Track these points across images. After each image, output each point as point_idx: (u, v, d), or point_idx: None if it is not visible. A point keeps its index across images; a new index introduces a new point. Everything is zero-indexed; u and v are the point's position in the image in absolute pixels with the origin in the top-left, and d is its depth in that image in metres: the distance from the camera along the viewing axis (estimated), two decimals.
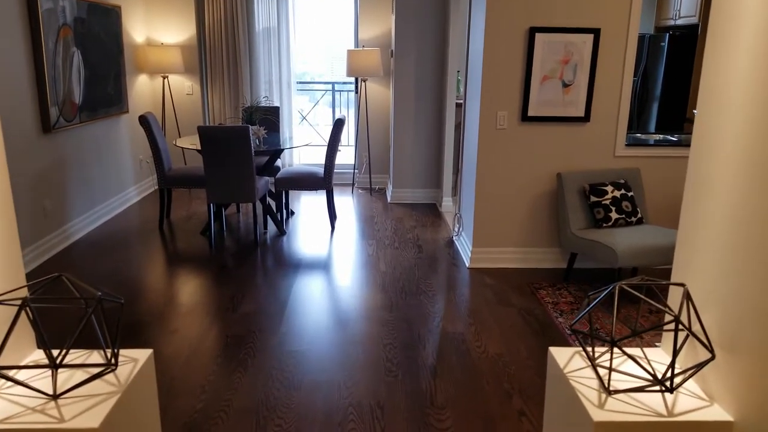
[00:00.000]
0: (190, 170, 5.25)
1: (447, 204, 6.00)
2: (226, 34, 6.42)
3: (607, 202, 3.99)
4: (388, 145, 6.84)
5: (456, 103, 5.92)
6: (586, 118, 4.17)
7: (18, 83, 4.14)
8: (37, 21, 4.22)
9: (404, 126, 6.13)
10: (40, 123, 4.41)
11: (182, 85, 6.64)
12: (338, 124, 5.15)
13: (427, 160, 6.24)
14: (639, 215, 4.05)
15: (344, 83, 9.95)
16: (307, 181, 5.26)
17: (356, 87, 6.97)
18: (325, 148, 5.27)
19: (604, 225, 3.99)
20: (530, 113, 4.15)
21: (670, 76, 6.12)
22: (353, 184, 7.03)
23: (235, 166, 4.65)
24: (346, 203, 6.34)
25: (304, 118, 8.79)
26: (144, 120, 5.03)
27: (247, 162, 4.63)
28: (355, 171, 7.03)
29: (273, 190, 5.56)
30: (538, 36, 4.02)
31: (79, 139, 5.00)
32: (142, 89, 6.38)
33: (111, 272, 4.29)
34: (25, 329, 1.69)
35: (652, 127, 6.35)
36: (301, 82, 8.45)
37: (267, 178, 5.18)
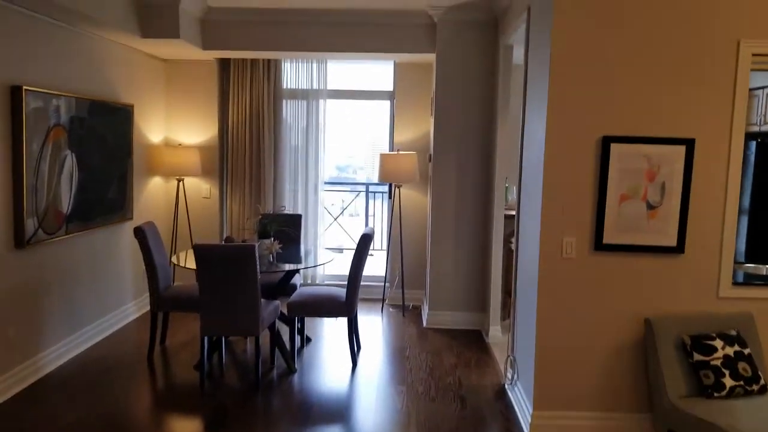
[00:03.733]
0: (191, 290, 4.46)
1: (495, 334, 5.00)
2: (250, 134, 5.86)
3: (718, 362, 2.96)
4: (424, 258, 5.98)
5: (505, 214, 5.07)
6: (679, 248, 3.23)
7: None
8: (19, 122, 3.65)
9: (443, 237, 5.28)
10: (12, 237, 3.74)
11: (199, 188, 6.03)
12: (364, 241, 4.34)
13: (470, 278, 5.32)
14: (761, 381, 2.99)
15: (379, 184, 9.31)
16: (325, 307, 4.39)
17: (390, 192, 6.24)
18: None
19: (716, 395, 2.93)
20: (606, 240, 3.25)
21: (761, 190, 5.16)
22: (383, 300, 6.12)
23: (237, 293, 3.83)
24: (374, 325, 5.42)
25: (335, 219, 8.08)
26: (139, 232, 4.33)
27: (251, 289, 3.82)
28: (386, 285, 6.14)
29: (285, 313, 4.69)
30: (614, 147, 3.19)
31: (63, 252, 4.31)
32: (154, 193, 5.78)
33: (78, 418, 3.41)
34: None
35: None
36: (330, 183, 7.80)
37: (277, 302, 4.34)
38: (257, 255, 3.78)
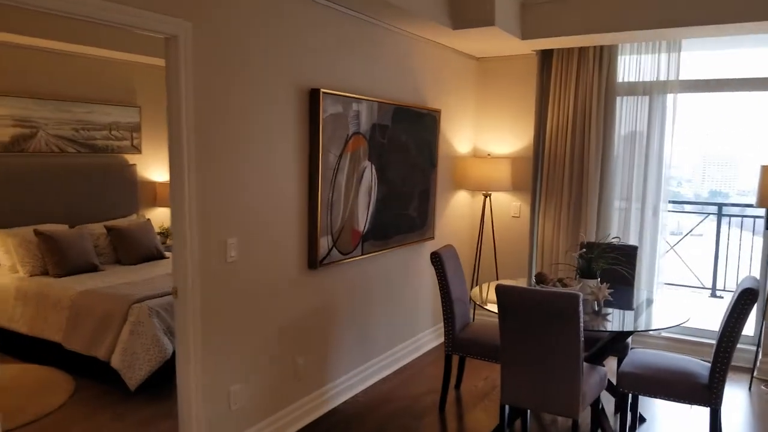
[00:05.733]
0: (491, 334, 3.62)
1: None
2: (572, 141, 4.77)
3: None
4: None
5: None
6: None
7: (283, 207, 3.22)
8: (316, 129, 3.29)
9: None
10: (305, 257, 3.41)
11: (508, 205, 5.19)
12: (746, 299, 2.87)
13: None
14: None
15: (738, 205, 7.15)
16: (675, 388, 3.05)
17: None
18: (721, 318, 3.02)
19: None
20: None
21: None
22: (752, 371, 4.36)
23: (551, 356, 2.82)
24: (739, 409, 3.79)
25: (672, 248, 6.42)
26: (437, 259, 3.66)
27: (571, 353, 2.76)
28: (759, 349, 4.36)
29: (613, 383, 3.48)
30: None
31: (357, 275, 3.91)
32: (458, 209, 5.14)
33: None
34: None
35: None
36: (674, 202, 6.16)
37: (604, 370, 3.18)
38: (582, 308, 2.71)
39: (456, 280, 3.79)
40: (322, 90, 3.26)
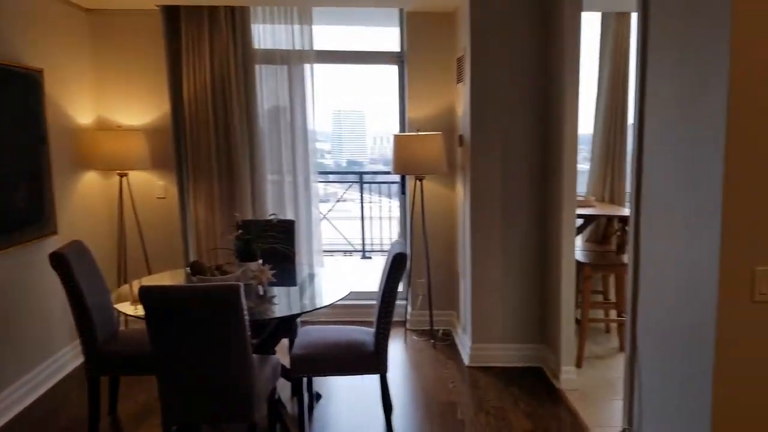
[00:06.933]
0: (146, 343, 2.98)
1: (570, 377, 3.64)
2: (214, 111, 4.32)
3: None
4: (450, 269, 4.61)
5: (579, 213, 3.71)
6: None
7: None
8: None
9: (484, 243, 3.90)
10: None
11: (151, 185, 4.48)
12: (397, 264, 2.90)
13: (524, 300, 3.95)
14: None
15: (377, 173, 7.79)
16: (346, 362, 2.96)
17: (402, 185, 4.82)
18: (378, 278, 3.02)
19: None
20: None
21: None
22: (405, 324, 4.71)
23: (214, 359, 2.37)
24: (399, 362, 4.04)
25: (325, 216, 6.64)
26: (59, 261, 2.81)
27: (239, 349, 2.36)
28: (407, 303, 4.74)
29: (287, 366, 3.24)
30: None
31: None
32: (89, 195, 4.21)
33: None
34: None
35: None
36: (321, 173, 6.30)
37: (275, 359, 2.90)
38: (244, 299, 2.32)
39: (92, 282, 3.01)
40: None
